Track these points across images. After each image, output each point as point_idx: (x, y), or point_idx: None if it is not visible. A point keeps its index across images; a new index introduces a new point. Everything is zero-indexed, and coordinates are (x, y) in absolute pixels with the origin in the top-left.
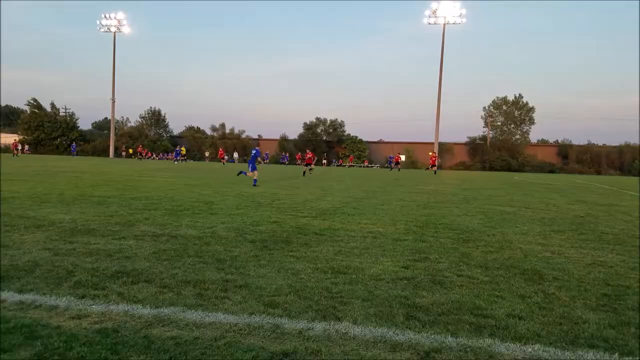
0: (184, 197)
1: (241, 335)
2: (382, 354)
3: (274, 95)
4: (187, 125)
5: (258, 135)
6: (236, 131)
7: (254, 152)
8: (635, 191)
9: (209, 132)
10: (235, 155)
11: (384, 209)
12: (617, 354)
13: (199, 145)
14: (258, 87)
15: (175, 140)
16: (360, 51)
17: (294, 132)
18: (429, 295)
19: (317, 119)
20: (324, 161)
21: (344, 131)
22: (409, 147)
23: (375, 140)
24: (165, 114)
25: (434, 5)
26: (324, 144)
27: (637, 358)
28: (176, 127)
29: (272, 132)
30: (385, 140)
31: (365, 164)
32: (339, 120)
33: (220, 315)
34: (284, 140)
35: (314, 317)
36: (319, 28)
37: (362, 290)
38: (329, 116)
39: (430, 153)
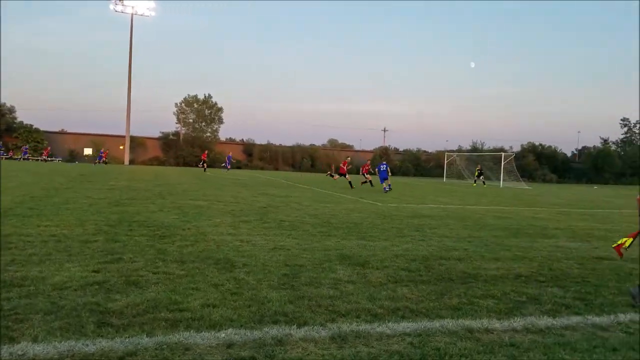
0: None
1: None
2: None
3: None
4: None
5: None
6: None
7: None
8: (303, 184)
9: None
10: None
11: (69, 208)
12: (295, 325)
13: None
14: None
15: None
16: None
17: None
18: (123, 297)
19: None
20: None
21: (16, 118)
22: (97, 139)
23: (57, 130)
24: None
25: None
26: None
27: (314, 327)
28: None
29: None
30: (69, 130)
31: (45, 156)
32: (8, 104)
33: None
34: None
35: None
36: None
37: (43, 303)
38: None
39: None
